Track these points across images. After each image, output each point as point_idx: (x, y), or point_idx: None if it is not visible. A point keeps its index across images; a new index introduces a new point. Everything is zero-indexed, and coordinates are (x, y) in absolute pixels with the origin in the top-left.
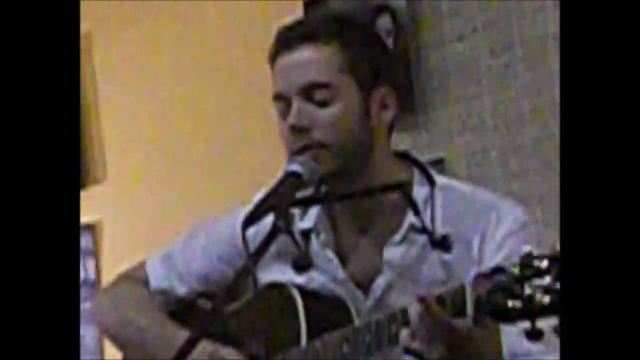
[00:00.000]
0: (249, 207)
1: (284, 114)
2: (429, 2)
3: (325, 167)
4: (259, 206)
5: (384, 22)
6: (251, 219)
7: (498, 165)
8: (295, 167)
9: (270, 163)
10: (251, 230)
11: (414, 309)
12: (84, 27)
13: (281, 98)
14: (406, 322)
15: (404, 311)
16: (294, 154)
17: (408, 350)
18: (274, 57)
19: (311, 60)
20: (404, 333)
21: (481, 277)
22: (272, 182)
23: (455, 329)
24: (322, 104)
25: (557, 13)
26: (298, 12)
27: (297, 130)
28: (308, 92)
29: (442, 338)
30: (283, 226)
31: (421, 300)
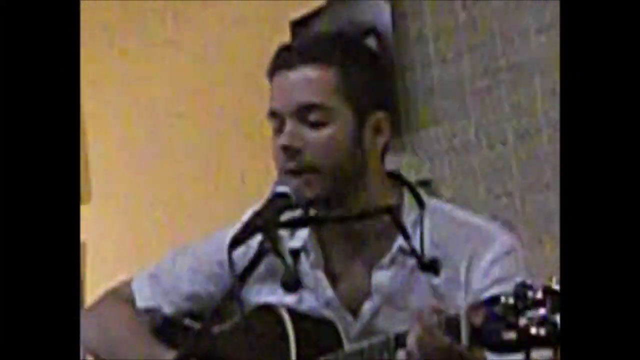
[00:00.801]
0: (236, 227)
1: (278, 131)
2: (414, 25)
3: (314, 191)
4: (246, 227)
5: (370, 43)
6: (238, 240)
7: (483, 187)
8: (283, 188)
9: (259, 183)
10: (240, 250)
11: (412, 333)
12: None
13: (275, 116)
14: (400, 346)
15: (397, 337)
16: (284, 173)
17: None
18: (272, 73)
19: (309, 80)
20: (400, 356)
21: (476, 306)
22: (260, 202)
23: (455, 353)
24: (316, 126)
25: (542, 37)
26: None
27: (288, 151)
28: (303, 112)
29: None
30: (270, 247)
31: (437, 311)
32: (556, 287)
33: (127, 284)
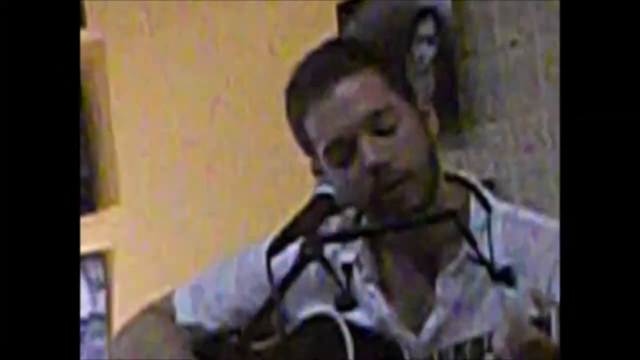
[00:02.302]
0: (276, 232)
1: (343, 160)
2: (478, 4)
3: (414, 200)
4: (285, 231)
5: (426, 27)
6: (277, 247)
7: (556, 188)
8: (325, 188)
9: (297, 184)
10: (278, 259)
11: (499, 332)
12: (96, 35)
13: (341, 142)
14: (487, 351)
15: (476, 341)
16: (376, 194)
17: None
18: (303, 105)
19: (357, 90)
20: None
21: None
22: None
23: (547, 348)
24: (390, 132)
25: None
26: (331, 19)
27: (380, 169)
28: (373, 123)
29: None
30: (312, 254)
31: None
32: None
33: (168, 297)
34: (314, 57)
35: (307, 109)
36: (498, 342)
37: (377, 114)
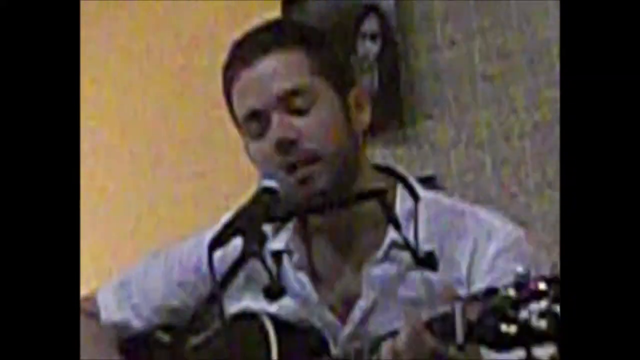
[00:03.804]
0: (216, 227)
1: (260, 132)
2: (420, 4)
3: (320, 183)
4: (228, 226)
5: (370, 24)
6: (218, 241)
7: (494, 184)
8: (270, 182)
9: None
10: (217, 254)
11: (401, 335)
12: None
13: (256, 115)
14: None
15: (384, 338)
16: (282, 172)
17: None
18: (232, 77)
19: (280, 67)
20: (385, 354)
21: (472, 299)
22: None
23: (444, 356)
24: (304, 112)
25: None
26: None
27: (285, 143)
28: (286, 101)
29: None
30: (254, 250)
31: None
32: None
33: (88, 297)
34: (249, 33)
35: (233, 80)
36: (400, 341)
37: (293, 93)
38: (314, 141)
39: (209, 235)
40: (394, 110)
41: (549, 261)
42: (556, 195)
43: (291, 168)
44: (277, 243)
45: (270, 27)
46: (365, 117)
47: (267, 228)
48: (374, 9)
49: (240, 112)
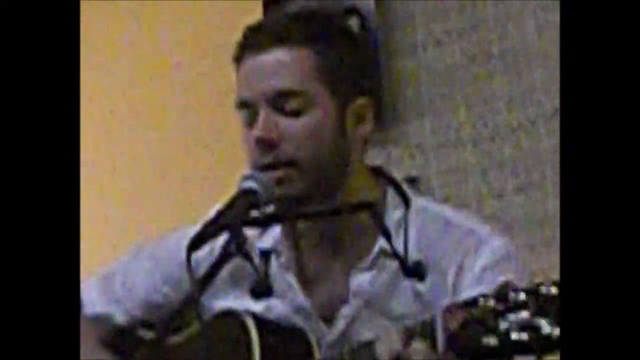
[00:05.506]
0: (197, 226)
1: (250, 123)
2: (401, 4)
3: (292, 188)
4: (207, 226)
5: (351, 24)
6: (199, 241)
7: (476, 185)
8: (250, 184)
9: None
10: (203, 252)
11: (383, 344)
12: None
13: (246, 106)
14: (372, 358)
15: (369, 344)
16: (259, 169)
17: None
18: (239, 58)
19: (282, 64)
20: None
21: (453, 309)
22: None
23: None
24: (293, 114)
25: (545, 17)
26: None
27: (263, 143)
28: (277, 100)
29: None
30: (236, 249)
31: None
32: (543, 289)
33: None
34: (265, 20)
35: (239, 62)
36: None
37: (286, 93)
38: (295, 146)
39: (194, 230)
40: (375, 111)
41: (535, 267)
42: (539, 195)
43: (269, 167)
44: (265, 242)
45: (288, 18)
46: (365, 128)
47: (252, 227)
48: (354, 10)
49: (236, 96)
